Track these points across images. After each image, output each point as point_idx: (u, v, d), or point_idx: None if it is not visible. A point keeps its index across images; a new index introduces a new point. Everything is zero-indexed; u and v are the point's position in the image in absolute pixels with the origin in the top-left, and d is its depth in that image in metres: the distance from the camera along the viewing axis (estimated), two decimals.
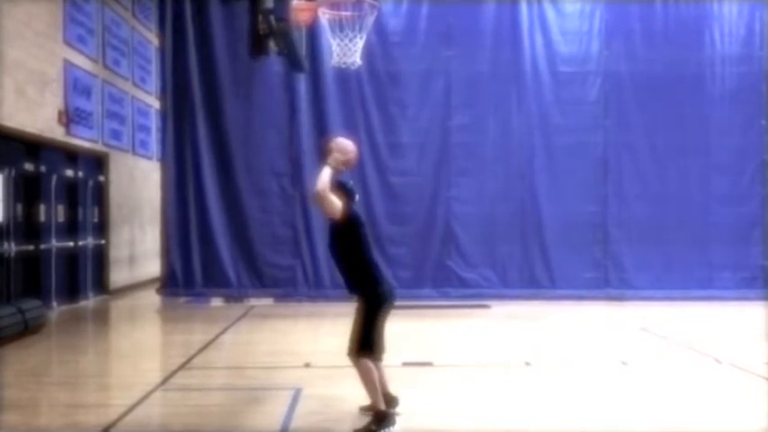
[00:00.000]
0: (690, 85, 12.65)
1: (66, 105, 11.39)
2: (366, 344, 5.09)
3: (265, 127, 12.40)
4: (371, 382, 5.06)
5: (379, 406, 5.05)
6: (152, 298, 12.55)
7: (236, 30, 11.97)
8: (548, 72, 12.66)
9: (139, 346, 9.03)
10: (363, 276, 5.16)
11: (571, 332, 9.49)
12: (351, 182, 5.38)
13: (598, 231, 12.55)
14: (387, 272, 12.05)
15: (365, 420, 5.12)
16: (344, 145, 5.24)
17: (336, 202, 5.02)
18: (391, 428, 4.97)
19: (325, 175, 5.03)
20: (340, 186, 5.16)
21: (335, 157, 5.12)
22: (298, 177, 12.32)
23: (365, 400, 5.29)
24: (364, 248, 5.21)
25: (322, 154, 5.28)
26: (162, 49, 12.81)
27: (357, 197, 5.30)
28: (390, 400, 5.33)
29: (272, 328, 9.88)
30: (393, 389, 5.42)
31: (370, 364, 5.10)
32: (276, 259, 12.33)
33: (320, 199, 5.00)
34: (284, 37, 9.31)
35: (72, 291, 11.98)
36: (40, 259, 10.84)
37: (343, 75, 11.81)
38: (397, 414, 5.24)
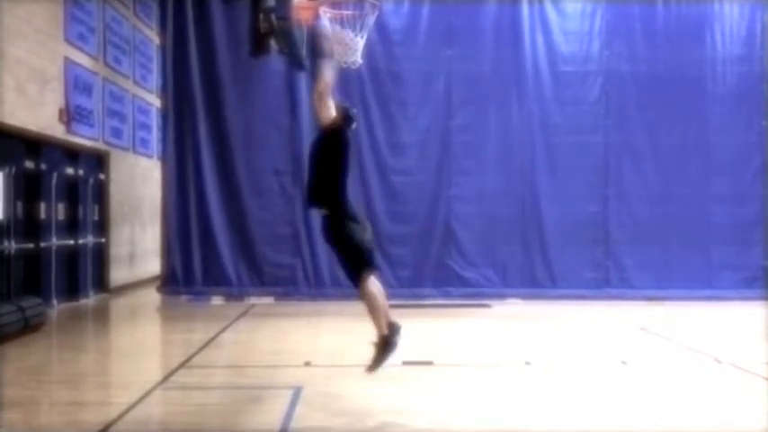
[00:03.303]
0: (691, 85, 12.64)
1: (66, 103, 11.39)
2: (363, 262, 5.09)
3: (266, 125, 12.40)
4: (376, 309, 5.10)
5: (383, 332, 5.09)
6: (152, 296, 12.55)
7: (237, 28, 11.97)
8: (548, 72, 12.65)
9: (140, 345, 9.03)
10: (334, 191, 5.13)
11: (571, 332, 9.49)
12: (354, 110, 5.41)
13: (599, 231, 12.55)
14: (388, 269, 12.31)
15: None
16: (336, 32, 5.29)
17: (332, 108, 5.04)
18: (391, 354, 5.07)
19: (326, 72, 5.01)
20: (342, 109, 5.20)
21: (335, 48, 5.18)
22: (298, 176, 12.28)
23: (367, 398, 5.31)
24: (343, 166, 5.19)
25: (313, 45, 5.28)
26: (163, 48, 12.81)
27: (355, 125, 5.32)
28: (394, 329, 5.36)
29: (273, 326, 9.88)
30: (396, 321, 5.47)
31: (375, 290, 5.13)
32: (276, 258, 12.32)
33: (320, 97, 5.01)
34: (285, 36, 9.31)
35: (72, 289, 11.97)
36: (40, 257, 10.83)
37: (344, 74, 11.71)
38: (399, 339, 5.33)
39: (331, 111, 5.04)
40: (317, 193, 5.18)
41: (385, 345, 5.05)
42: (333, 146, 5.14)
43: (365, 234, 5.22)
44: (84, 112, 12.12)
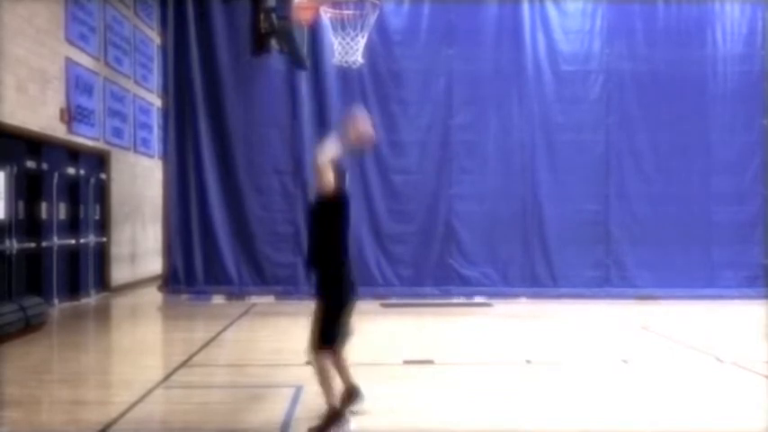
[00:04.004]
0: (691, 84, 12.64)
1: (67, 103, 11.41)
2: (328, 338, 4.98)
3: (267, 125, 12.40)
4: (326, 380, 4.95)
5: (333, 403, 4.93)
6: (153, 295, 12.57)
7: (238, 28, 11.98)
8: (549, 71, 12.64)
9: (141, 344, 9.04)
10: (333, 258, 5.06)
11: (572, 331, 9.50)
12: (345, 167, 5.38)
13: (600, 230, 12.55)
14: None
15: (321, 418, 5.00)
16: (360, 125, 5.16)
17: (331, 179, 4.97)
18: (344, 428, 4.86)
19: (331, 149, 4.98)
20: (336, 165, 5.14)
21: (349, 133, 5.09)
22: (299, 175, 12.32)
23: (367, 397, 5.30)
24: (344, 230, 5.15)
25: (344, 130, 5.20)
26: (164, 47, 12.81)
27: (347, 178, 5.26)
28: (354, 394, 5.28)
29: (274, 325, 9.90)
30: (362, 382, 5.35)
31: (328, 362, 4.99)
32: (277, 257, 12.33)
33: (319, 170, 4.96)
34: (286, 35, 9.32)
35: (73, 288, 11.99)
36: (41, 256, 10.85)
37: (345, 73, 11.82)
38: (362, 412, 5.23)
39: (331, 180, 4.96)
40: (319, 257, 5.11)
41: (333, 417, 4.89)
42: (333, 213, 5.08)
43: (347, 312, 5.11)
44: (85, 112, 12.13)
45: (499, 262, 12.50)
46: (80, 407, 5.63)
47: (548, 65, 12.65)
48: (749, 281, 12.41)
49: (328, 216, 5.08)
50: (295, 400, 5.71)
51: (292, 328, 9.71)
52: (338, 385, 5.13)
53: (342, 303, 5.05)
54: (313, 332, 5.03)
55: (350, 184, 5.36)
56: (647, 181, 12.63)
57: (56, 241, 11.28)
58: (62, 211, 11.60)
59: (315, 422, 4.97)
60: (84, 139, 12.13)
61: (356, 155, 5.35)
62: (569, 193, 12.47)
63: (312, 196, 5.40)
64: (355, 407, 5.25)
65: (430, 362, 7.28)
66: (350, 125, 5.11)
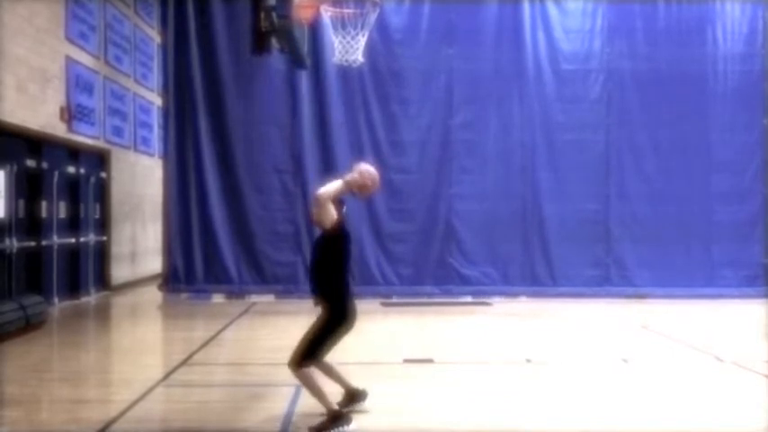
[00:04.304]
0: (692, 83, 12.64)
1: (67, 102, 11.40)
2: (311, 355, 5.04)
3: (267, 124, 12.41)
4: (315, 388, 5.02)
5: (331, 407, 4.97)
6: (153, 294, 12.57)
7: (238, 27, 11.98)
8: (550, 70, 12.65)
9: (141, 343, 9.04)
10: (335, 289, 5.12)
11: (572, 330, 9.50)
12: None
13: (600, 229, 12.55)
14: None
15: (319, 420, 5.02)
16: (366, 170, 5.22)
17: (333, 214, 5.02)
18: (346, 427, 4.88)
19: (334, 186, 5.02)
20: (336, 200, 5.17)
21: (353, 177, 5.11)
22: (299, 174, 12.33)
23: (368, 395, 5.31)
24: (345, 263, 5.22)
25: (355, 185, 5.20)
26: (164, 46, 12.81)
27: (345, 209, 5.28)
28: (357, 395, 5.33)
29: (274, 324, 9.89)
30: (370, 384, 5.36)
31: (308, 372, 5.04)
32: (277, 256, 12.34)
33: (319, 205, 4.99)
34: (286, 34, 9.31)
35: (73, 287, 11.99)
36: (41, 255, 10.85)
37: (345, 72, 11.82)
38: (362, 410, 5.26)
39: (332, 215, 4.99)
40: (323, 292, 5.12)
41: (334, 418, 4.92)
42: (333, 245, 5.13)
43: (339, 337, 5.16)
44: (85, 111, 12.13)
45: (499, 261, 12.51)
46: (80, 405, 5.63)
47: (548, 64, 12.66)
48: (749, 280, 12.42)
49: (329, 248, 5.15)
50: (295, 398, 5.72)
51: (292, 326, 9.67)
52: (327, 386, 5.14)
53: (338, 329, 5.10)
54: (298, 347, 5.08)
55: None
56: (648, 180, 12.63)
57: (56, 240, 11.28)
58: (62, 210, 11.60)
59: (315, 421, 4.98)
60: (84, 137, 12.13)
61: (360, 198, 5.35)
62: (569, 192, 12.47)
63: (316, 229, 5.40)
64: (357, 406, 5.27)
65: (430, 361, 7.28)
66: (356, 174, 5.12)
